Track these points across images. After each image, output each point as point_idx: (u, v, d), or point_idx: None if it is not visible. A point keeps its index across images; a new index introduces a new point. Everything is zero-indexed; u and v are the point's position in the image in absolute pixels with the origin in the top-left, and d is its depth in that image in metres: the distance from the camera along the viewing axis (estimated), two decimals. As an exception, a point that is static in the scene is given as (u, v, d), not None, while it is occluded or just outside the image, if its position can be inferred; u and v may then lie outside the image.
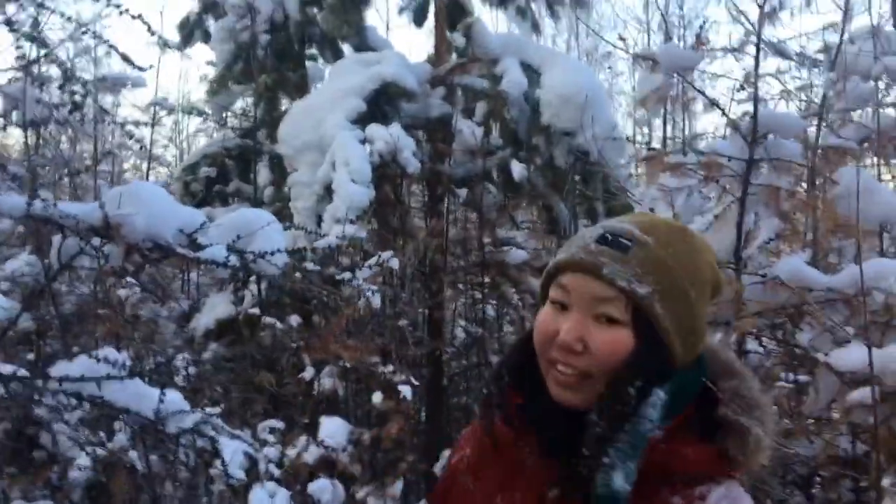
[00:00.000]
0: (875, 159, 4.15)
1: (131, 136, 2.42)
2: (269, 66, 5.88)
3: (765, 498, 3.33)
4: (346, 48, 6.02)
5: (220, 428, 2.87)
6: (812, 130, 3.33)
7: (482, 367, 5.43)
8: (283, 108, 6.06)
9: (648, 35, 15.33)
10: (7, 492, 2.97)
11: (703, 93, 3.18)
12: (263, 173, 5.92)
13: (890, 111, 4.19)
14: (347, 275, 3.82)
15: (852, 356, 2.62)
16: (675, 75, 3.09)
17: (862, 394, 2.57)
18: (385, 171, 4.71)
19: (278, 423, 4.10)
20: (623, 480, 1.00)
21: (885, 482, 2.17)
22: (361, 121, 4.83)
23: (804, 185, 3.26)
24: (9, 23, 1.91)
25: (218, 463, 2.93)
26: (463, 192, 5.56)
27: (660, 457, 1.04)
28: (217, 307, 5.18)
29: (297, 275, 3.18)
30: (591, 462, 1.03)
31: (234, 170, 6.29)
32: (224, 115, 6.82)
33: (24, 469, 3.24)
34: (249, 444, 3.13)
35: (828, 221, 2.90)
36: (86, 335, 4.64)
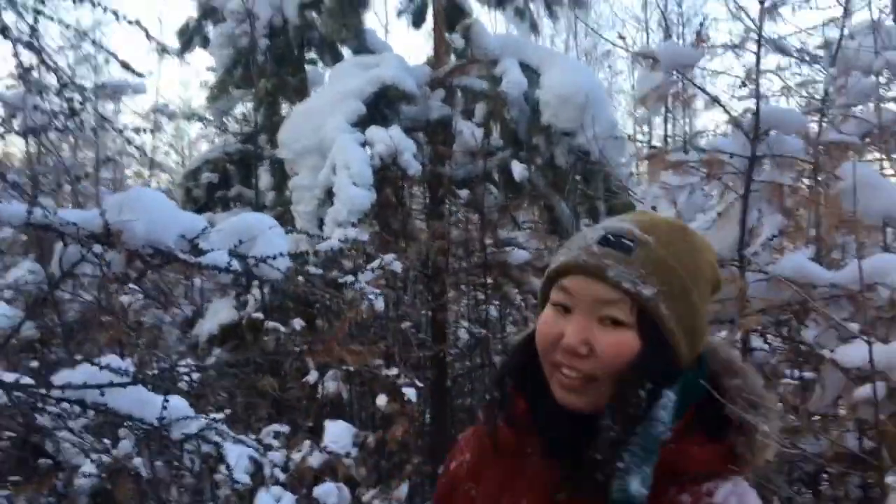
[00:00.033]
0: (877, 154, 4.14)
1: (130, 143, 2.42)
2: (269, 71, 5.88)
3: (772, 496, 3.32)
4: (345, 51, 6.02)
5: (225, 433, 2.87)
6: (814, 126, 3.32)
7: (486, 368, 5.43)
8: (283, 112, 6.06)
9: (647, 34, 15.33)
10: (13, 500, 2.97)
11: (703, 90, 3.17)
12: (265, 178, 5.91)
13: (891, 106, 4.18)
14: (350, 278, 3.82)
15: (858, 352, 2.61)
16: (676, 73, 3.08)
17: (868, 390, 2.56)
18: (386, 174, 4.71)
19: (283, 428, 4.09)
20: (639, 485, 1.00)
21: (890, 479, 2.15)
22: (361, 124, 4.83)
23: (807, 181, 3.24)
24: (3, 30, 1.91)
25: (223, 468, 2.93)
26: (464, 193, 5.55)
27: (668, 457, 1.03)
28: (220, 312, 5.18)
29: (300, 279, 3.17)
30: (604, 467, 1.02)
31: (236, 175, 6.29)
32: (225, 120, 6.82)
33: (28, 477, 3.23)
34: (254, 449, 3.12)
35: (831, 217, 2.88)
36: (89, 342, 4.64)
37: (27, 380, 2.57)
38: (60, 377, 2.52)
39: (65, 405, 2.54)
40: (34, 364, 4.38)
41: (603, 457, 1.03)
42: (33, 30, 2.01)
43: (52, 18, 2.31)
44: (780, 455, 2.85)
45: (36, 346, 4.58)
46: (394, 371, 4.17)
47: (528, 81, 5.10)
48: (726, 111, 3.07)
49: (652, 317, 1.05)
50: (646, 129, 13.62)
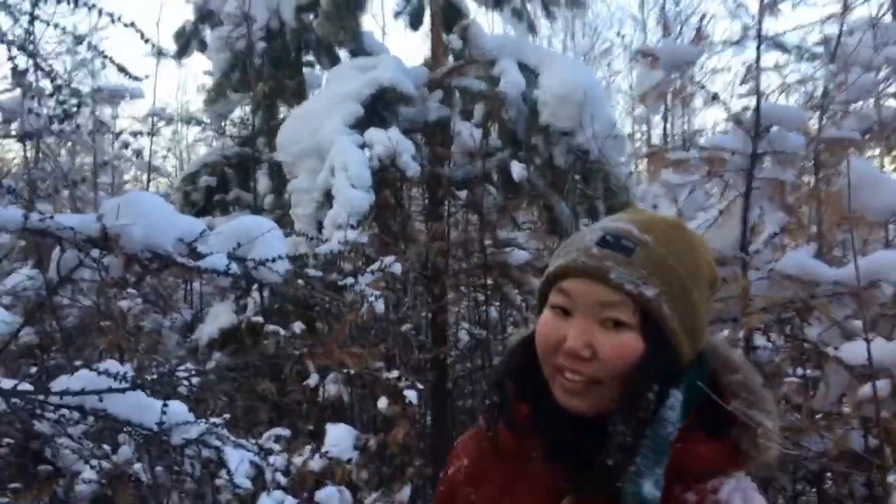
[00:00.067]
0: (877, 150, 4.13)
1: (126, 146, 2.40)
2: (266, 74, 5.86)
3: (777, 494, 3.30)
4: (342, 54, 6.00)
5: (226, 438, 2.86)
6: (814, 123, 3.31)
7: (486, 369, 5.41)
8: (281, 115, 6.04)
9: (645, 33, 15.33)
10: (13, 507, 2.96)
11: (704, 87, 3.16)
12: (263, 181, 5.90)
13: (891, 102, 4.17)
14: (350, 280, 3.80)
15: (862, 350, 2.59)
16: (676, 70, 3.07)
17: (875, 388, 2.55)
18: (384, 176, 4.69)
19: (284, 431, 4.07)
20: (652, 487, 0.99)
21: (892, 478, 2.14)
22: (360, 126, 4.81)
23: (808, 177, 3.23)
24: None
25: (224, 473, 2.91)
26: (463, 194, 5.54)
27: (675, 456, 1.03)
28: (220, 316, 5.16)
29: (299, 282, 3.16)
30: (616, 471, 1.01)
31: (234, 178, 6.27)
32: (222, 123, 6.81)
33: (29, 483, 3.22)
34: (255, 454, 3.11)
35: (833, 214, 2.87)
36: (89, 348, 4.63)
37: (26, 386, 2.55)
38: (59, 383, 2.51)
39: (64, 411, 2.53)
40: (33, 370, 4.37)
41: (614, 461, 1.02)
42: (28, 33, 2.00)
43: (47, 23, 2.30)
44: (785, 454, 2.84)
45: (35, 351, 4.56)
46: (394, 373, 4.16)
47: (526, 81, 5.09)
48: (727, 108, 3.06)
49: (654, 317, 1.04)
50: (644, 128, 13.62)
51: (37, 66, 2.00)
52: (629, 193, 4.64)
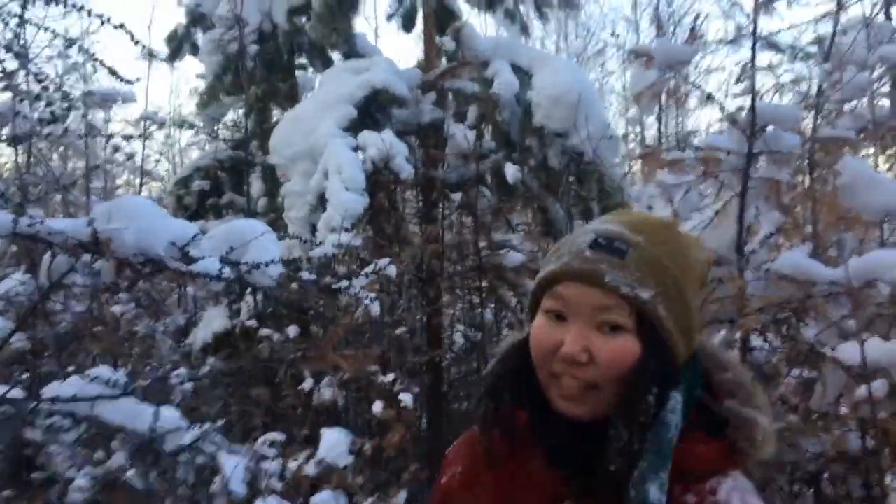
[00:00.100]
0: (872, 149, 4.13)
1: (117, 150, 2.38)
2: (259, 77, 5.84)
3: (774, 495, 3.29)
4: (335, 56, 5.98)
5: (220, 444, 2.84)
6: (809, 122, 3.30)
7: (482, 372, 5.39)
8: (274, 118, 6.02)
9: (637, 34, 15.36)
10: (5, 515, 2.93)
11: (699, 87, 3.15)
12: (256, 184, 5.87)
13: (885, 101, 4.17)
14: (344, 283, 3.78)
15: (859, 350, 2.58)
16: (670, 70, 3.06)
17: (872, 388, 2.54)
18: (378, 178, 4.67)
19: (279, 436, 4.05)
20: (658, 491, 0.98)
21: (890, 479, 2.13)
22: (353, 128, 4.80)
23: (804, 177, 3.22)
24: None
25: (218, 479, 2.89)
26: (457, 196, 5.52)
27: (675, 457, 1.02)
28: (214, 321, 5.13)
29: (293, 285, 3.14)
30: (619, 476, 1.00)
31: (227, 182, 6.24)
32: (215, 127, 6.78)
33: (22, 491, 3.19)
34: (249, 459, 3.09)
35: (829, 213, 2.86)
36: (82, 353, 4.59)
37: (17, 392, 2.53)
38: (50, 390, 2.49)
39: (55, 418, 2.51)
40: (26, 376, 4.33)
41: (617, 467, 1.01)
42: (17, 36, 1.98)
43: (38, 27, 2.28)
44: (782, 454, 2.82)
45: (28, 357, 4.52)
46: (389, 377, 4.14)
47: (519, 83, 5.08)
48: (722, 108, 3.05)
49: (650, 319, 1.04)
50: (637, 128, 13.63)
51: (26, 69, 1.98)
52: (624, 194, 4.63)
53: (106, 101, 5.95)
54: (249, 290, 4.13)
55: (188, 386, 2.73)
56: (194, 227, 2.25)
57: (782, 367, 3.16)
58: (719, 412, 1.07)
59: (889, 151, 4.29)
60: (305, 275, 3.65)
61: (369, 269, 3.87)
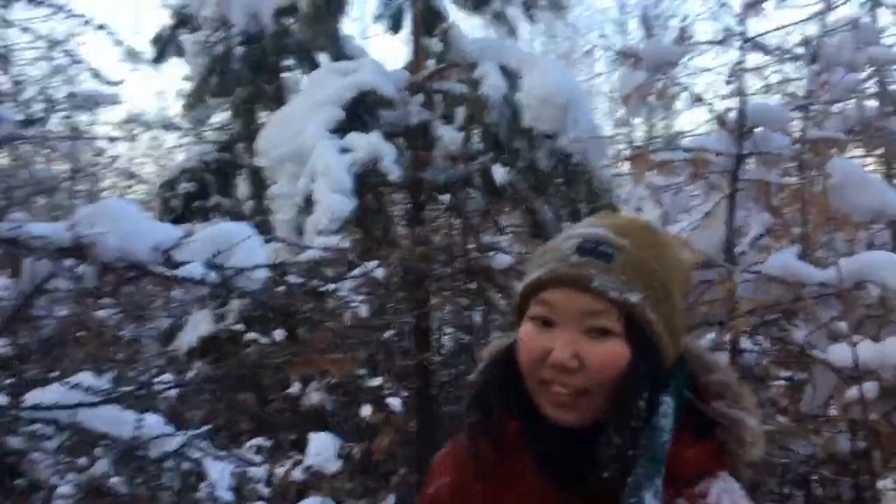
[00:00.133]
0: (860, 150, 4.13)
1: (100, 154, 2.35)
2: (245, 79, 5.79)
3: (764, 497, 3.28)
4: (322, 58, 5.94)
5: (206, 450, 2.80)
6: (797, 123, 3.30)
7: (470, 376, 5.36)
8: (260, 120, 5.98)
9: (625, 37, 15.39)
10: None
11: (688, 88, 3.14)
12: (243, 187, 5.83)
13: (873, 101, 4.18)
14: (332, 286, 3.76)
15: (849, 352, 2.58)
16: (659, 71, 3.05)
17: (863, 389, 2.53)
18: (366, 180, 4.65)
19: (266, 442, 4.02)
20: (653, 499, 0.97)
21: (882, 484, 2.12)
22: (340, 130, 4.76)
23: (792, 178, 3.22)
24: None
25: (204, 485, 2.86)
26: (445, 198, 5.50)
27: (666, 462, 1.01)
28: (200, 325, 5.10)
29: (280, 289, 3.11)
30: (612, 483, 0.99)
31: (214, 184, 6.19)
32: (201, 129, 6.73)
33: (5, 497, 3.15)
34: (236, 465, 3.06)
35: (819, 215, 2.86)
36: (66, 359, 4.54)
37: (1, 399, 2.49)
38: (32, 397, 2.45)
39: (38, 425, 2.47)
40: (10, 382, 4.27)
41: (611, 474, 1.00)
42: (-4, 37, 1.94)
43: (23, 28, 2.24)
44: (772, 457, 2.82)
45: (12, 363, 4.47)
46: (378, 381, 4.12)
47: (507, 84, 5.06)
48: (711, 109, 3.04)
49: (639, 323, 1.03)
50: (625, 130, 13.65)
51: (5, 70, 1.94)
52: (612, 196, 4.62)
53: (90, 102, 5.88)
54: (235, 294, 4.10)
55: (172, 393, 2.70)
56: (178, 231, 2.22)
57: (772, 369, 3.15)
58: (709, 414, 1.06)
59: (877, 152, 4.29)
60: (292, 278, 3.62)
61: (357, 272, 3.85)
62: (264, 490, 3.62)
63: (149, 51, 6.09)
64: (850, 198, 2.58)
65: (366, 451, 4.15)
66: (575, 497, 1.04)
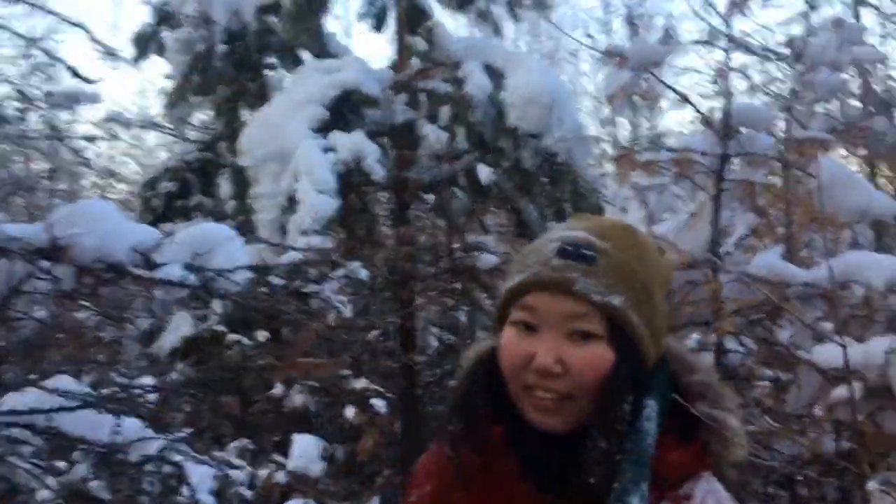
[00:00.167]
0: (844, 150, 4.15)
1: (78, 153, 2.31)
2: (228, 77, 5.75)
3: (749, 498, 3.28)
4: (305, 56, 5.91)
5: (187, 453, 2.78)
6: (782, 123, 3.30)
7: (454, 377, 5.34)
8: (243, 118, 5.93)
9: (609, 36, 15.40)
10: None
11: (673, 88, 3.13)
12: (225, 186, 5.78)
13: (856, 102, 4.19)
14: (315, 287, 3.72)
15: (834, 352, 2.57)
16: (644, 70, 3.04)
17: (845, 391, 2.53)
18: (350, 180, 4.62)
19: (249, 444, 3.99)
20: (639, 502, 0.97)
21: (870, 484, 2.12)
22: (324, 129, 4.74)
23: (776, 178, 3.22)
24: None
25: (185, 489, 2.83)
26: (430, 197, 5.48)
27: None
28: (182, 325, 5.05)
29: (262, 290, 3.08)
30: (598, 488, 0.99)
31: (196, 184, 6.13)
32: (183, 128, 6.68)
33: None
34: (217, 469, 3.02)
35: (803, 214, 2.86)
36: (46, 361, 4.49)
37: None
38: (9, 401, 2.42)
39: (15, 430, 2.44)
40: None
41: (596, 478, 0.99)
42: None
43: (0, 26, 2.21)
44: (757, 458, 2.82)
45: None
46: (362, 382, 4.09)
47: (492, 83, 5.04)
48: (696, 109, 3.03)
49: (622, 325, 1.02)
50: (610, 129, 13.69)
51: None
52: (598, 196, 4.62)
53: (70, 101, 5.82)
54: (216, 296, 4.06)
55: (151, 397, 2.68)
56: (157, 232, 2.19)
57: (757, 369, 3.15)
58: (694, 415, 1.05)
59: (860, 152, 4.31)
60: (275, 279, 3.59)
61: (340, 272, 3.82)
62: (247, 493, 3.58)
63: (130, 49, 6.03)
64: (837, 198, 2.58)
65: (350, 452, 4.12)
66: (560, 502, 1.03)
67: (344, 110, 4.96)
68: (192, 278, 2.17)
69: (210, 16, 5.56)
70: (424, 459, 1.26)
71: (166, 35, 6.00)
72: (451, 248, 5.18)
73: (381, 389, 4.12)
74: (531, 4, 6.02)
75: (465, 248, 5.28)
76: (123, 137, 9.27)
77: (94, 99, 5.77)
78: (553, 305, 1.03)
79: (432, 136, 5.19)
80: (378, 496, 4.09)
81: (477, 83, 5.00)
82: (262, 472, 3.80)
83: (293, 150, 4.53)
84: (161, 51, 6.04)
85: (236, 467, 3.61)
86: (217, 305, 4.72)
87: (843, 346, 1.98)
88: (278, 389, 4.22)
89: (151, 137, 11.08)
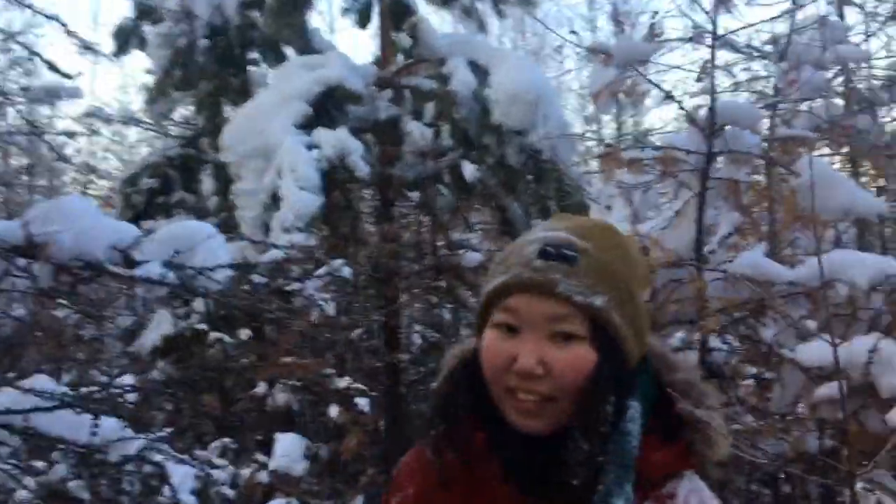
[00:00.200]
0: (827, 149, 4.16)
1: (53, 148, 2.27)
2: (210, 72, 5.69)
3: (732, 496, 3.29)
4: (289, 51, 5.86)
5: (167, 452, 2.75)
6: (766, 121, 3.31)
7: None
8: (225, 114, 5.88)
9: (594, 33, 15.41)
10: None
11: (658, 86, 3.12)
12: (208, 183, 5.73)
13: (839, 100, 4.21)
14: (298, 285, 3.70)
15: (818, 351, 2.58)
16: (630, 68, 3.03)
17: (829, 389, 2.53)
18: (334, 177, 4.59)
19: (231, 443, 3.96)
20: None
21: (860, 486, 2.12)
22: (307, 125, 4.70)
23: (760, 176, 3.22)
24: None
25: (167, 489, 2.80)
26: (414, 195, 5.46)
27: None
28: (163, 323, 5.00)
29: (245, 288, 3.05)
30: (580, 490, 0.98)
31: (178, 180, 6.07)
32: (164, 123, 6.61)
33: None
34: (199, 468, 2.99)
35: (788, 213, 2.86)
36: (25, 360, 4.45)
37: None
38: (-15, 401, 2.37)
39: (-9, 430, 2.40)
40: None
41: (580, 480, 0.98)
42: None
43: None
44: (740, 456, 2.82)
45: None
46: (346, 380, 4.07)
47: (477, 80, 5.03)
48: (682, 107, 3.03)
49: (604, 326, 1.02)
50: (594, 127, 13.70)
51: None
52: (582, 194, 4.61)
53: (50, 96, 5.74)
54: (196, 294, 4.02)
55: (130, 397, 2.65)
56: (136, 230, 2.15)
57: (741, 367, 3.16)
58: (678, 414, 1.05)
59: (843, 150, 4.32)
60: (257, 277, 3.55)
61: (323, 270, 3.79)
62: (229, 493, 3.55)
63: (110, 43, 5.97)
64: (820, 197, 2.58)
65: (333, 451, 4.10)
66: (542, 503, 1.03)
67: (328, 106, 4.93)
68: (171, 276, 2.13)
69: (192, 10, 5.51)
70: (406, 461, 1.25)
71: (147, 29, 5.94)
72: (436, 246, 5.17)
73: (365, 388, 4.09)
74: (516, 1, 6.01)
75: (449, 245, 5.28)
76: (104, 133, 9.22)
77: (75, 94, 5.69)
78: (535, 307, 1.02)
79: (417, 132, 5.17)
80: (362, 495, 4.07)
81: (462, 80, 4.98)
82: (245, 472, 3.78)
83: (276, 146, 4.49)
84: (142, 45, 5.98)
85: (218, 467, 3.58)
86: (199, 304, 4.68)
87: (834, 346, 1.97)
88: (261, 388, 4.18)
89: (133, 133, 11.00)
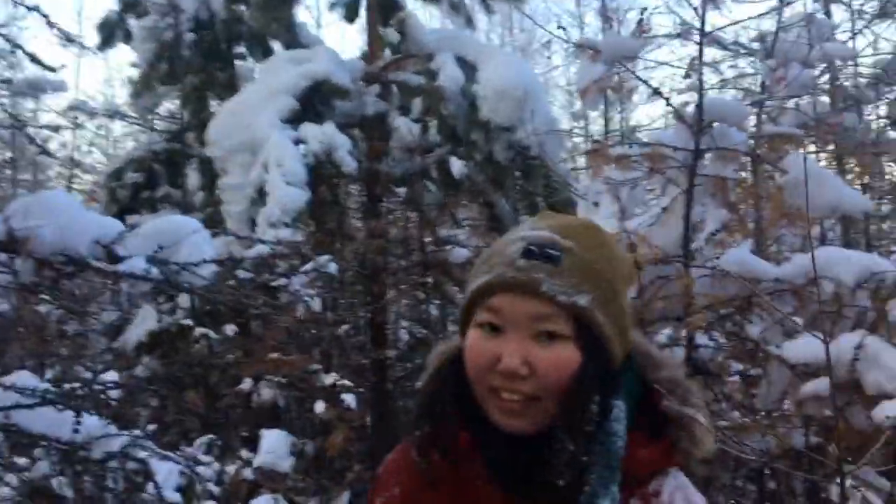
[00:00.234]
0: (814, 146, 4.18)
1: (32, 140, 2.24)
2: (196, 66, 5.66)
3: (717, 492, 3.30)
4: (275, 46, 5.84)
5: (151, 449, 2.72)
6: (753, 119, 3.31)
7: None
8: (212, 108, 5.85)
9: (581, 29, 15.43)
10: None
11: (646, 82, 3.12)
12: (193, 177, 5.70)
13: (826, 97, 4.23)
14: (284, 281, 3.68)
15: (804, 348, 2.59)
16: (618, 64, 3.02)
17: (815, 386, 2.54)
18: (321, 172, 4.57)
19: (216, 439, 3.93)
20: None
21: (850, 483, 2.13)
22: (294, 120, 4.69)
23: (747, 173, 3.23)
24: None
25: (151, 486, 2.78)
26: (402, 190, 5.45)
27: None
28: (148, 319, 4.97)
29: (230, 283, 3.02)
30: (565, 490, 0.97)
31: (163, 174, 6.04)
32: (150, 117, 6.57)
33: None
34: (184, 465, 2.97)
35: (774, 210, 2.86)
36: (7, 355, 4.41)
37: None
38: (-34, 398, 2.34)
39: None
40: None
41: (566, 481, 0.97)
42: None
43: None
44: (726, 452, 2.82)
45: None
46: (332, 376, 4.05)
47: (465, 76, 5.02)
48: (669, 103, 3.03)
49: (588, 325, 1.01)
50: (582, 123, 13.72)
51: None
52: (570, 190, 4.61)
53: (34, 89, 5.68)
54: (180, 290, 4.00)
55: (118, 391, 2.63)
56: (119, 224, 2.13)
57: (728, 364, 3.16)
58: (664, 412, 1.05)
59: (829, 148, 4.34)
60: (243, 273, 3.53)
61: (309, 266, 3.77)
62: (214, 489, 3.53)
63: (95, 36, 5.92)
64: (806, 193, 2.58)
65: (319, 447, 4.09)
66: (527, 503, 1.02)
67: (315, 101, 4.91)
68: (155, 272, 2.11)
69: (178, 4, 5.48)
70: (391, 459, 1.24)
71: (132, 23, 5.91)
72: (423, 242, 5.16)
73: (351, 384, 4.08)
74: (504, -4, 6.01)
75: (436, 241, 5.27)
76: (89, 127, 9.15)
77: (59, 87, 5.63)
78: (518, 306, 1.01)
79: (404, 128, 5.16)
80: (348, 492, 4.06)
81: (449, 75, 4.97)
82: (230, 469, 3.76)
83: (263, 141, 4.48)
84: (127, 38, 5.95)
85: (203, 464, 3.55)
86: (184, 299, 4.66)
87: (826, 342, 1.98)
88: (246, 384, 4.16)
89: (117, 127, 10.92)
